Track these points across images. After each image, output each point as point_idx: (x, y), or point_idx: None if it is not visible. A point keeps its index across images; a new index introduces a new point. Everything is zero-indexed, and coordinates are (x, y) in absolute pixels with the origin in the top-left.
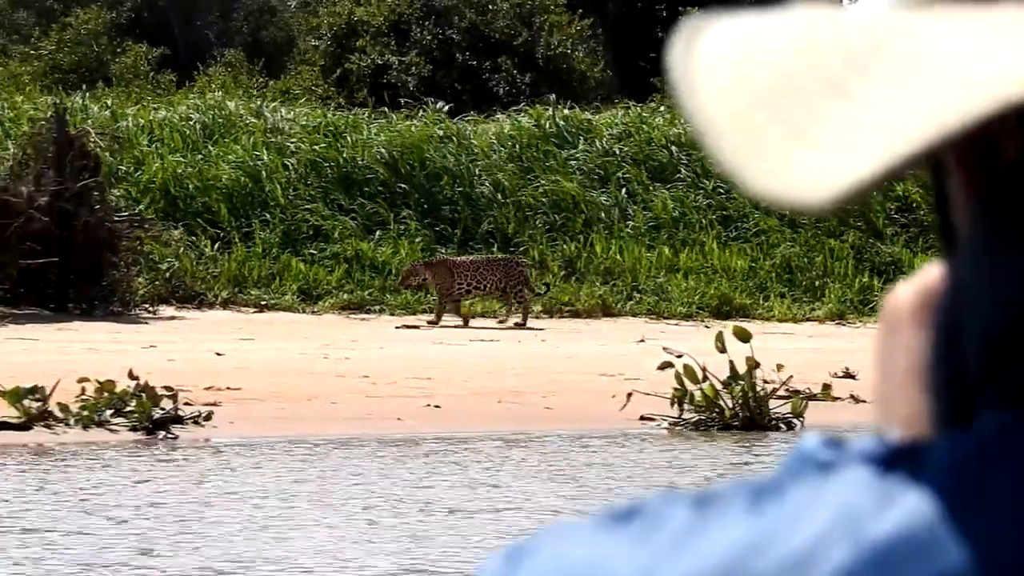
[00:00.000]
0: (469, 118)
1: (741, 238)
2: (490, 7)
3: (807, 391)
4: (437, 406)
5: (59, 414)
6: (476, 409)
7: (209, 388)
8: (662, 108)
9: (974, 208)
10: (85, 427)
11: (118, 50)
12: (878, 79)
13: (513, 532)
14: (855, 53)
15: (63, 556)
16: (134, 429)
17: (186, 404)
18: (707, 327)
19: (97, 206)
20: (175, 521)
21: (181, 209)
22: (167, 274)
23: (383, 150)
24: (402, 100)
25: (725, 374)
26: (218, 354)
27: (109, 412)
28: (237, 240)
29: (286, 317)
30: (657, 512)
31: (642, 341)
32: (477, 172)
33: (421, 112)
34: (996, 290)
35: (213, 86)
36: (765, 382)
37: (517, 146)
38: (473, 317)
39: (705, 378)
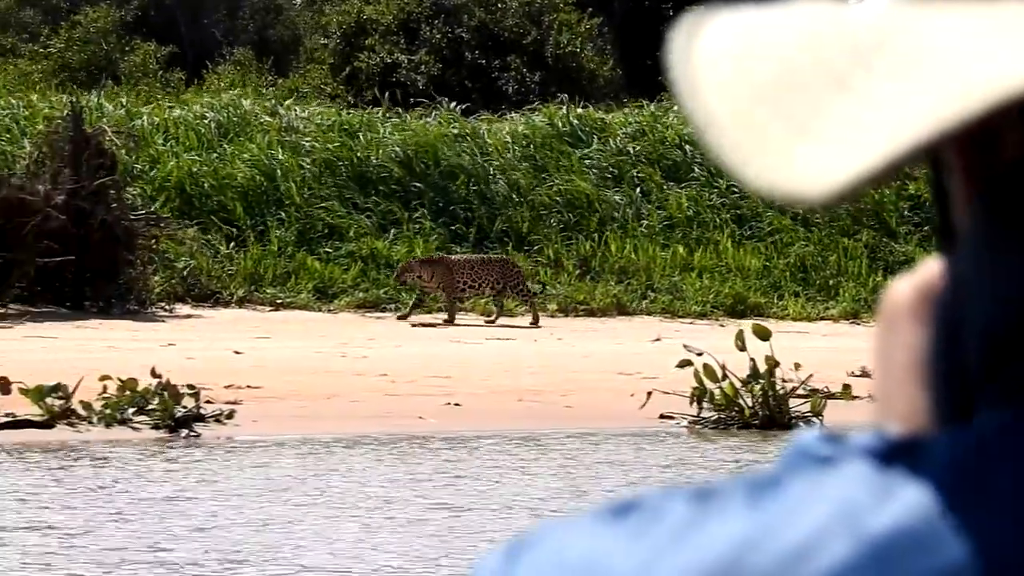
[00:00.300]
0: (483, 117)
1: (755, 237)
2: (499, 6)
3: (825, 390)
4: (457, 404)
5: (82, 412)
6: (496, 408)
7: (229, 386)
8: (675, 107)
9: (974, 205)
10: (108, 425)
11: (127, 48)
12: (880, 74)
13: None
14: (857, 48)
15: (85, 553)
16: (156, 427)
17: (207, 402)
18: (722, 326)
19: (114, 204)
20: (205, 517)
21: (196, 208)
22: (183, 272)
23: (397, 149)
24: (412, 99)
25: (742, 372)
26: (236, 352)
27: (132, 410)
28: (252, 238)
29: (302, 315)
30: (656, 506)
31: (658, 340)
32: (492, 171)
33: (435, 111)
34: (995, 287)
35: (222, 84)
36: (783, 381)
37: (531, 145)
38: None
39: (725, 376)
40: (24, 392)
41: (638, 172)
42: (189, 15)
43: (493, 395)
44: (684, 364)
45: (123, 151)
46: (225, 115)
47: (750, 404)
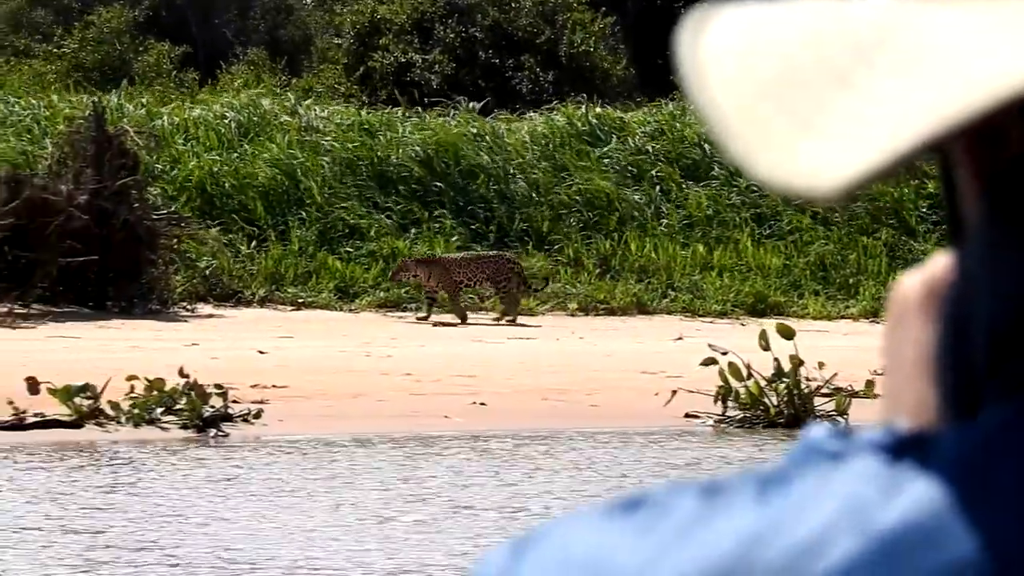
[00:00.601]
0: (502, 116)
1: (775, 236)
2: (513, 5)
3: (849, 388)
4: (483, 403)
5: (110, 412)
6: (521, 407)
7: (255, 386)
8: (691, 105)
9: (979, 200)
10: (136, 425)
11: (140, 49)
12: (882, 71)
13: None
14: (859, 45)
15: (113, 552)
16: (184, 427)
17: (234, 402)
18: (743, 325)
19: (136, 204)
20: (239, 517)
21: (217, 207)
22: (205, 272)
23: (417, 148)
24: (425, 99)
25: (764, 371)
26: (261, 352)
27: (160, 410)
28: (273, 238)
29: (323, 315)
30: (664, 502)
31: (679, 339)
32: (511, 170)
33: (453, 111)
34: (997, 284)
35: (236, 85)
36: (806, 380)
37: (550, 144)
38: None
39: (750, 375)
40: (52, 392)
41: (657, 171)
42: (200, 15)
43: (517, 394)
44: (709, 362)
45: (144, 151)
46: (245, 115)
47: (775, 403)
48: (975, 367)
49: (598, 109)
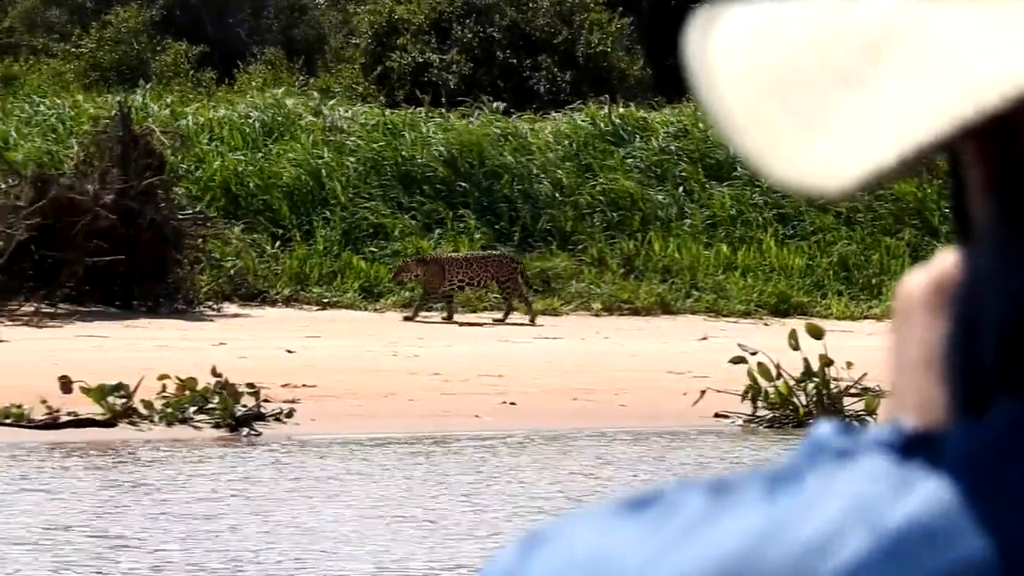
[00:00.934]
0: (525, 116)
1: (798, 236)
2: (530, 5)
3: (878, 388)
4: (513, 403)
5: (143, 411)
6: (551, 407)
7: (286, 385)
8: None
9: (989, 199)
10: (169, 424)
11: (158, 48)
12: (888, 70)
13: None
14: (865, 44)
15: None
16: (217, 426)
17: (265, 401)
18: (766, 325)
19: (162, 204)
20: (277, 516)
21: (242, 207)
22: (230, 272)
23: (441, 148)
24: (443, 99)
25: (792, 371)
26: (289, 351)
27: (192, 409)
28: (298, 238)
29: (348, 315)
30: (672, 500)
31: (704, 339)
32: (535, 171)
33: (477, 111)
34: (1007, 283)
35: (253, 84)
36: (834, 380)
37: (574, 144)
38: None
39: (779, 375)
40: (86, 391)
41: (681, 171)
42: (214, 15)
43: (545, 394)
44: (738, 360)
45: (170, 151)
46: (269, 115)
47: (804, 403)
48: (984, 366)
49: (621, 109)
